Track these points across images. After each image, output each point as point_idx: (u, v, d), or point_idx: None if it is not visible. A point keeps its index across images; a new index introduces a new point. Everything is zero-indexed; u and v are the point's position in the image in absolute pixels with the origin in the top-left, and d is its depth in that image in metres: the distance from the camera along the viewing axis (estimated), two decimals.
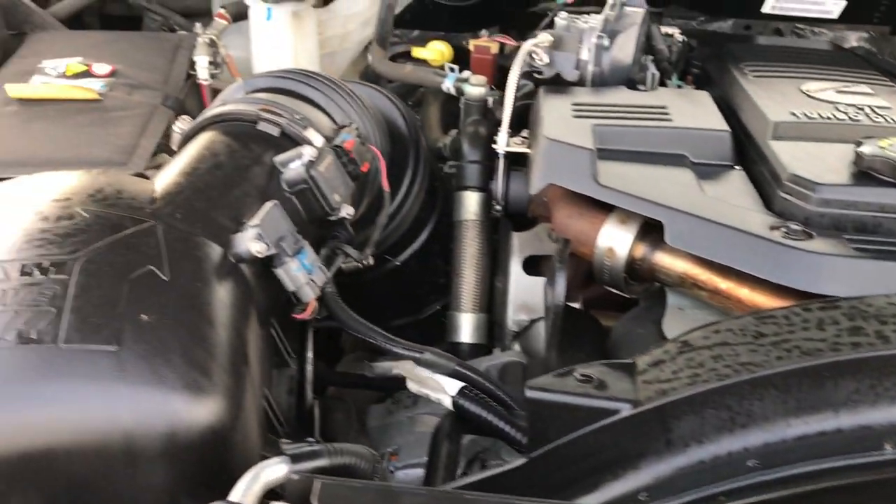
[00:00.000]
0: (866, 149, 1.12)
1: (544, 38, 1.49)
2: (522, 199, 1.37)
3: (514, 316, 1.47)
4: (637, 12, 1.56)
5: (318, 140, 1.23)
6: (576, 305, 1.43)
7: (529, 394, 0.90)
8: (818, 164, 1.16)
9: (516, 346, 1.48)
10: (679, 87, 1.67)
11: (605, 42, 1.48)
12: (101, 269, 0.92)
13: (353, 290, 1.72)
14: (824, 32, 2.20)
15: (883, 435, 0.82)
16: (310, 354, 1.22)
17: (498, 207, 1.41)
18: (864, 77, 1.51)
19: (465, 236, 1.50)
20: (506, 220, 1.46)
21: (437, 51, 1.82)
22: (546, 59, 1.49)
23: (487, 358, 1.36)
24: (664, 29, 1.76)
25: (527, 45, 1.45)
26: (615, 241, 1.19)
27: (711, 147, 1.28)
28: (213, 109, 1.27)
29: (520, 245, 1.44)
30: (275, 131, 1.21)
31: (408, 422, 1.29)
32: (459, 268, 1.50)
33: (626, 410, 0.87)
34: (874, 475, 0.80)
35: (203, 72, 1.74)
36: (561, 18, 1.57)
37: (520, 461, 0.91)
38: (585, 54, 1.49)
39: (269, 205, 1.06)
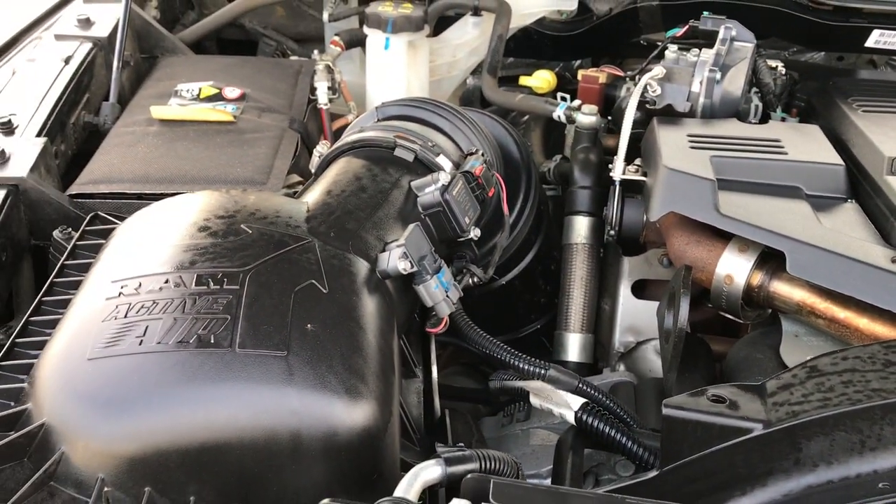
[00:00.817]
0: None
1: (658, 70, 1.55)
2: (636, 224, 1.43)
3: (620, 337, 1.53)
4: (747, 47, 1.61)
5: (448, 166, 1.31)
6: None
7: (666, 411, 0.96)
8: None
9: (621, 367, 1.53)
10: (783, 119, 1.70)
11: (717, 76, 1.53)
12: (268, 281, 1.01)
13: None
14: None
15: None
16: (434, 367, 1.29)
17: (612, 232, 1.46)
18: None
19: (574, 259, 1.57)
20: (615, 245, 1.52)
21: (543, 79, 1.89)
22: (659, 91, 1.55)
23: (598, 377, 1.42)
24: (769, 62, 1.80)
25: (645, 78, 1.51)
26: (734, 268, 1.24)
27: (826, 180, 1.32)
28: (350, 135, 1.36)
29: (629, 269, 1.50)
30: (410, 157, 1.29)
31: (522, 434, 1.35)
32: (568, 289, 1.56)
33: (757, 430, 0.93)
34: None
35: (323, 97, 1.85)
36: (671, 52, 1.63)
37: (651, 474, 0.96)
38: (697, 87, 1.55)
39: (412, 226, 1.14)
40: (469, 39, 1.98)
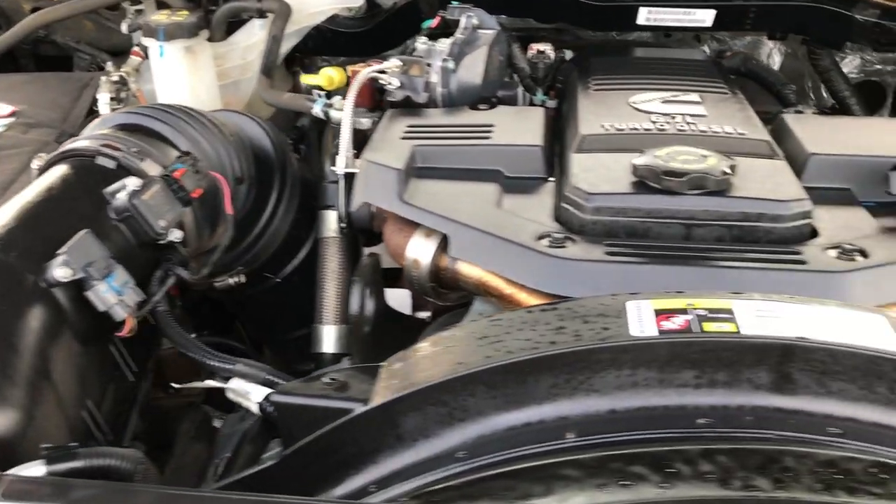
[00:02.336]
0: (640, 158, 1.19)
1: (393, 63, 1.59)
2: (363, 216, 1.46)
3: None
4: (487, 34, 1.64)
5: (154, 170, 1.34)
6: (424, 315, 1.51)
7: (274, 397, 0.99)
8: (602, 175, 1.23)
9: None
10: (543, 102, 1.74)
11: (451, 64, 1.57)
12: None
13: (244, 306, 1.85)
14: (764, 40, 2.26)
15: (570, 425, 0.89)
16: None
17: (342, 225, 1.50)
18: (703, 86, 1.57)
19: (326, 252, 1.59)
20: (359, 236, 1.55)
21: (326, 77, 1.91)
22: (396, 83, 1.58)
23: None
24: (537, 46, 1.84)
25: (365, 72, 1.54)
26: (420, 252, 1.27)
27: (523, 162, 1.36)
28: (64, 145, 1.38)
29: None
30: (111, 164, 1.32)
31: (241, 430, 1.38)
32: (322, 282, 1.59)
33: (358, 409, 0.96)
34: (560, 458, 0.86)
35: (104, 108, 1.86)
36: (421, 43, 1.67)
37: (273, 460, 1.00)
38: (434, 77, 1.58)
39: (80, 233, 1.16)
40: (257, 41, 2.00)
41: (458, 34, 1.62)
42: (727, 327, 0.89)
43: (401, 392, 0.94)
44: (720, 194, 1.15)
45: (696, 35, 2.36)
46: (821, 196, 1.29)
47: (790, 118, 1.46)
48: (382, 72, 1.58)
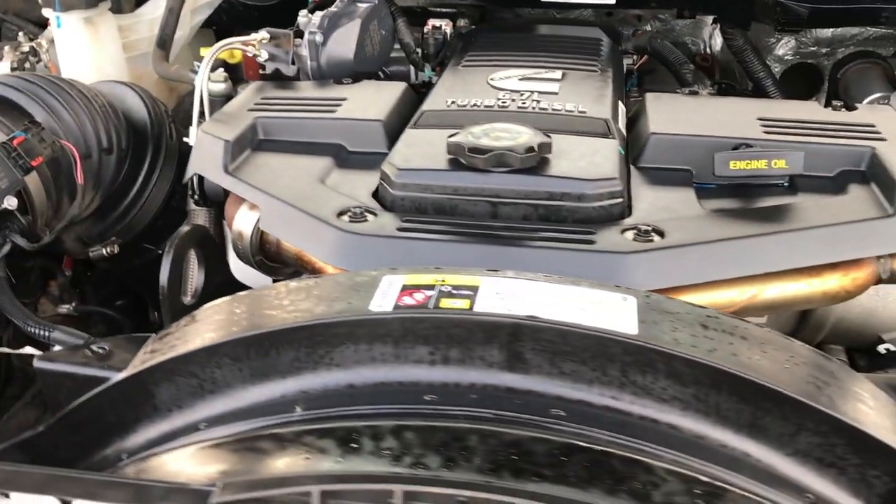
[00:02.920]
0: (455, 135, 1.17)
1: (261, 34, 1.58)
2: (215, 190, 1.45)
3: None
4: (362, 7, 1.62)
5: None
6: None
7: (37, 364, 0.99)
8: (421, 151, 1.21)
9: None
10: (429, 78, 1.72)
11: (319, 38, 1.55)
12: None
13: (136, 276, 1.86)
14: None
15: (310, 399, 0.88)
16: None
17: (196, 198, 1.49)
18: (575, 64, 1.54)
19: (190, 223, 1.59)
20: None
21: (227, 51, 1.91)
22: (264, 55, 1.58)
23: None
24: (433, 22, 1.82)
25: (220, 44, 1.54)
26: (244, 224, 1.26)
27: (363, 137, 1.34)
28: None
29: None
30: None
31: None
32: None
33: (115, 378, 0.96)
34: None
35: None
36: (302, 16, 1.65)
37: (41, 428, 1.00)
38: (304, 50, 1.57)
39: None
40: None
41: (333, 7, 1.61)
42: (461, 304, 0.87)
43: (151, 362, 0.95)
44: (525, 172, 1.13)
45: (637, 16, 2.34)
46: (657, 176, 1.27)
47: (650, 97, 1.43)
48: (250, 45, 1.57)
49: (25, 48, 1.99)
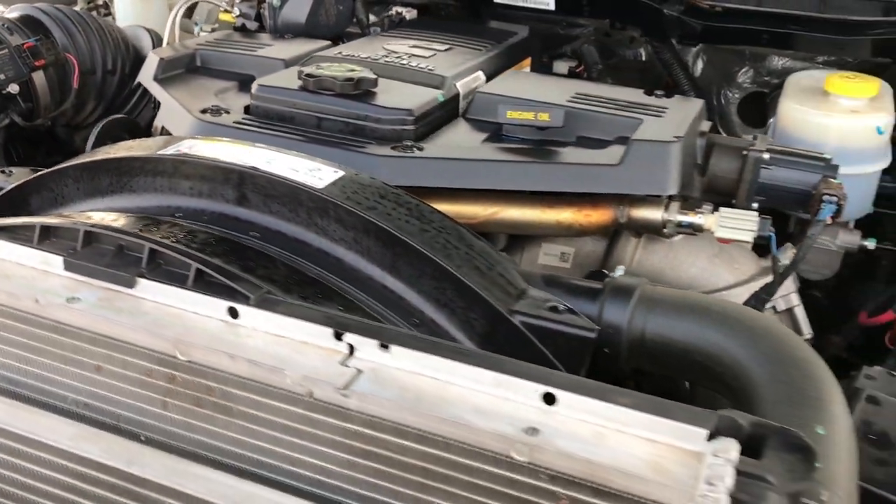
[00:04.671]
0: (306, 67, 1.53)
1: None
2: None
3: None
4: None
5: (15, 42, 1.83)
6: None
7: None
8: (287, 77, 1.57)
9: None
10: None
11: (276, 2, 1.95)
12: None
13: None
14: None
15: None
16: None
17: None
18: (466, 44, 1.85)
19: None
20: None
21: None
22: (236, 11, 2.00)
23: None
24: (396, 8, 2.18)
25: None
26: (157, 120, 1.67)
27: (268, 70, 1.71)
28: None
29: None
30: None
31: None
32: None
33: (7, 187, 1.38)
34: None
35: None
36: None
37: None
38: (266, 11, 1.98)
39: None
40: None
41: None
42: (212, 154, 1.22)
43: (29, 178, 1.36)
44: (344, 97, 1.47)
45: (630, 38, 2.61)
46: (475, 125, 1.57)
47: (509, 72, 1.73)
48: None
49: (100, 1, 2.53)
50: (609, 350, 1.16)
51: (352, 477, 0.83)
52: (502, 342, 1.12)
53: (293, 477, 0.85)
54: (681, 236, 1.52)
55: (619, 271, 1.28)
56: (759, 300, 1.44)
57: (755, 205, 1.52)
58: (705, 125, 1.56)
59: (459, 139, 1.50)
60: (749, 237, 1.38)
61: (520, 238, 1.60)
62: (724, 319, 1.11)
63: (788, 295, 1.56)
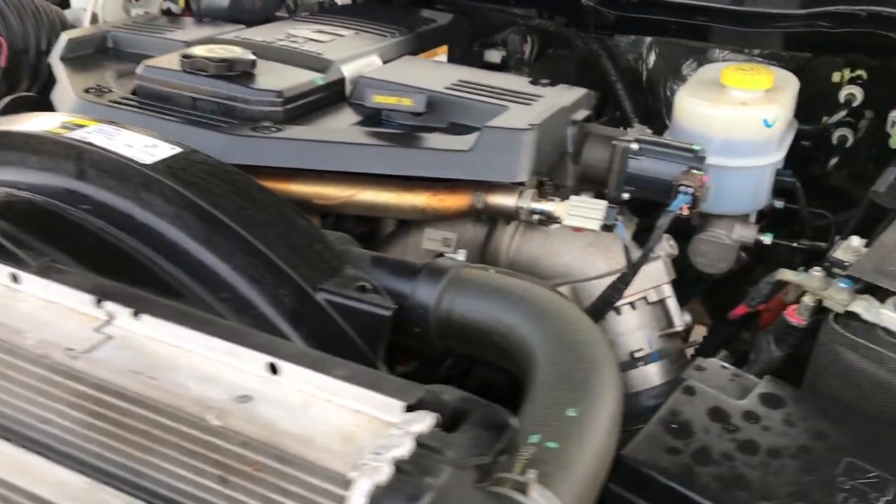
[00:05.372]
0: (190, 49, 1.57)
1: None
2: None
3: None
4: None
5: None
6: None
7: None
8: (176, 58, 1.61)
9: None
10: None
11: None
12: None
13: None
14: None
15: None
16: None
17: None
18: (374, 30, 1.88)
19: None
20: None
21: None
22: None
23: None
24: None
25: None
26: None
27: (167, 52, 1.75)
28: None
29: None
30: None
31: None
32: None
33: None
34: None
35: None
36: None
37: None
38: None
39: None
40: None
41: None
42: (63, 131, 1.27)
43: None
44: (217, 78, 1.51)
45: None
46: (357, 109, 1.60)
47: (401, 59, 1.76)
48: None
49: None
50: (419, 329, 1.19)
51: (88, 437, 0.88)
52: (309, 319, 1.15)
53: (38, 434, 0.90)
54: (557, 225, 1.53)
55: (461, 255, 1.30)
56: (615, 289, 1.44)
57: (625, 195, 1.53)
58: (581, 114, 1.56)
59: (333, 122, 1.53)
60: (595, 225, 1.38)
61: (406, 224, 1.63)
62: (520, 301, 1.13)
63: (660, 286, 1.56)
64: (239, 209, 1.19)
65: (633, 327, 1.56)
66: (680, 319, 1.57)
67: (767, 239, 1.75)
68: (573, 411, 0.95)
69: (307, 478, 0.77)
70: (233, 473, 0.79)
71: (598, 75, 2.22)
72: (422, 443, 0.77)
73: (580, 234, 1.58)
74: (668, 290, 1.57)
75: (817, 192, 1.93)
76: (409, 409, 0.81)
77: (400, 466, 0.74)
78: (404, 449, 0.76)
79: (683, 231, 1.80)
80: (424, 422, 0.79)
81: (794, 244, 1.77)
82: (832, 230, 1.84)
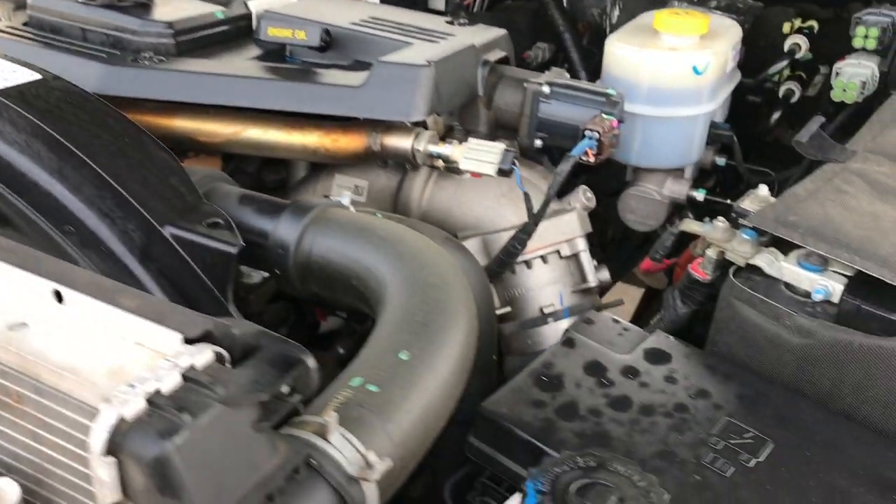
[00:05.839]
0: None
1: None
2: None
3: None
4: None
5: None
6: None
7: None
8: None
9: None
10: None
11: None
12: None
13: None
14: None
15: None
16: None
17: None
18: None
19: None
20: None
21: None
22: None
23: None
24: None
25: None
26: None
27: None
28: None
29: None
30: None
31: None
32: None
33: None
34: None
35: None
36: None
37: None
38: None
39: None
40: None
41: None
42: None
43: None
44: (108, 8, 1.43)
45: None
46: (262, 45, 1.52)
47: None
48: None
49: None
50: (280, 271, 1.12)
51: None
52: (158, 256, 1.08)
53: None
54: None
55: (345, 199, 1.22)
56: (517, 240, 1.36)
57: (538, 142, 1.44)
58: (495, 54, 1.47)
59: (230, 57, 1.45)
60: (491, 170, 1.30)
61: (317, 169, 1.55)
62: (381, 243, 1.05)
63: (574, 240, 1.47)
64: (92, 138, 1.12)
65: (543, 282, 1.47)
66: (594, 276, 1.49)
67: (700, 195, 1.66)
68: (405, 354, 0.88)
69: (61, 409, 0.70)
70: None
71: (550, 27, 2.13)
72: (189, 377, 0.70)
73: (492, 185, 1.49)
74: (581, 245, 1.48)
75: (764, 148, 1.83)
76: (190, 342, 0.74)
77: (154, 401, 0.67)
78: (167, 383, 0.69)
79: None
80: (202, 356, 0.72)
81: (729, 201, 1.68)
82: (775, 187, 1.75)
